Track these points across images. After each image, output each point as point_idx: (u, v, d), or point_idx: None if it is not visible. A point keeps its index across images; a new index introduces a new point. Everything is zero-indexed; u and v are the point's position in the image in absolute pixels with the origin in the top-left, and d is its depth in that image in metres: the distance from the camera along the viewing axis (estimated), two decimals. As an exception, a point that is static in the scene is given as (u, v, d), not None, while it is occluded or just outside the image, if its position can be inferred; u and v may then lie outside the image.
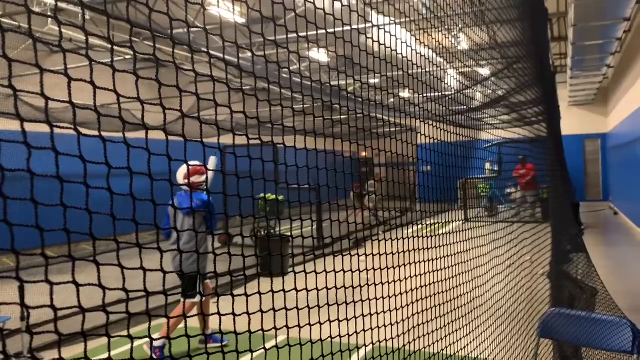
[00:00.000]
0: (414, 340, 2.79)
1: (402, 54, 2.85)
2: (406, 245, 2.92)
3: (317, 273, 2.20)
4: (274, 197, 10.87)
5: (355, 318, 2.43)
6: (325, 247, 10.32)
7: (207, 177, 5.36)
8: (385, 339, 2.53)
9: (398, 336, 2.63)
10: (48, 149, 1.06)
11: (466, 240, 3.68)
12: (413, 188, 3.38)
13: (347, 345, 2.23)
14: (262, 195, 10.51)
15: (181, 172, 5.29)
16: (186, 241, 5.15)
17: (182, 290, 5.16)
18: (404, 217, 12.83)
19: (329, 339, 2.21)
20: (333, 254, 2.27)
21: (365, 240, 4.58)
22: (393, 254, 2.79)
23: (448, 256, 3.30)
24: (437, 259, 3.16)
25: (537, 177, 13.95)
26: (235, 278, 7.70)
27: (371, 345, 2.50)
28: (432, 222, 3.92)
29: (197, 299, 5.17)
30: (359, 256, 2.53)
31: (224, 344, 5.20)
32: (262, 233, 10.28)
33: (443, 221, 4.26)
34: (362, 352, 3.74)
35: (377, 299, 2.62)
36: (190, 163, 1.76)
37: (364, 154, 24.05)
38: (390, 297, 2.69)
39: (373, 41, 2.61)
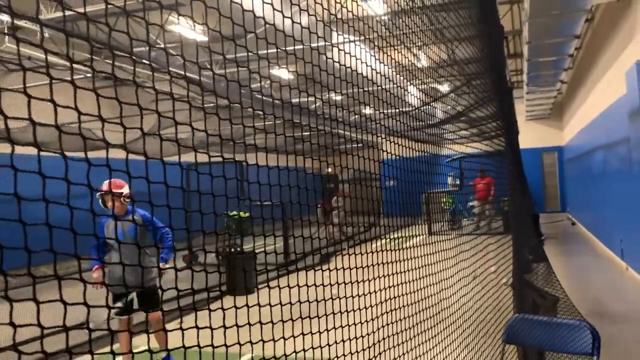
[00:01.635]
0: (383, 351, 2.81)
1: (362, 72, 2.91)
2: (372, 259, 2.95)
3: (280, 288, 2.20)
4: (237, 214, 10.79)
5: (315, 333, 2.44)
6: (292, 263, 10.27)
7: None
8: (351, 353, 2.53)
9: (363, 350, 2.64)
10: (7, 166, 1.05)
11: (432, 254, 3.74)
12: (378, 203, 3.42)
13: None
14: (224, 213, 10.43)
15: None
16: None
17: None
18: (369, 231, 12.90)
19: (294, 354, 2.21)
20: (297, 270, 2.28)
21: (330, 256, 4.60)
22: (357, 268, 2.81)
23: (414, 269, 3.34)
24: (403, 271, 3.20)
25: (496, 190, 14.30)
26: (198, 299, 7.59)
27: (337, 359, 2.51)
28: (397, 236, 3.97)
29: (122, 315, 5.25)
30: (322, 271, 2.54)
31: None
32: (228, 251, 10.17)
33: (408, 235, 4.32)
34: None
35: (341, 313, 2.63)
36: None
37: (329, 170, 24.16)
38: (356, 311, 2.70)
39: (333, 61, 2.66)
